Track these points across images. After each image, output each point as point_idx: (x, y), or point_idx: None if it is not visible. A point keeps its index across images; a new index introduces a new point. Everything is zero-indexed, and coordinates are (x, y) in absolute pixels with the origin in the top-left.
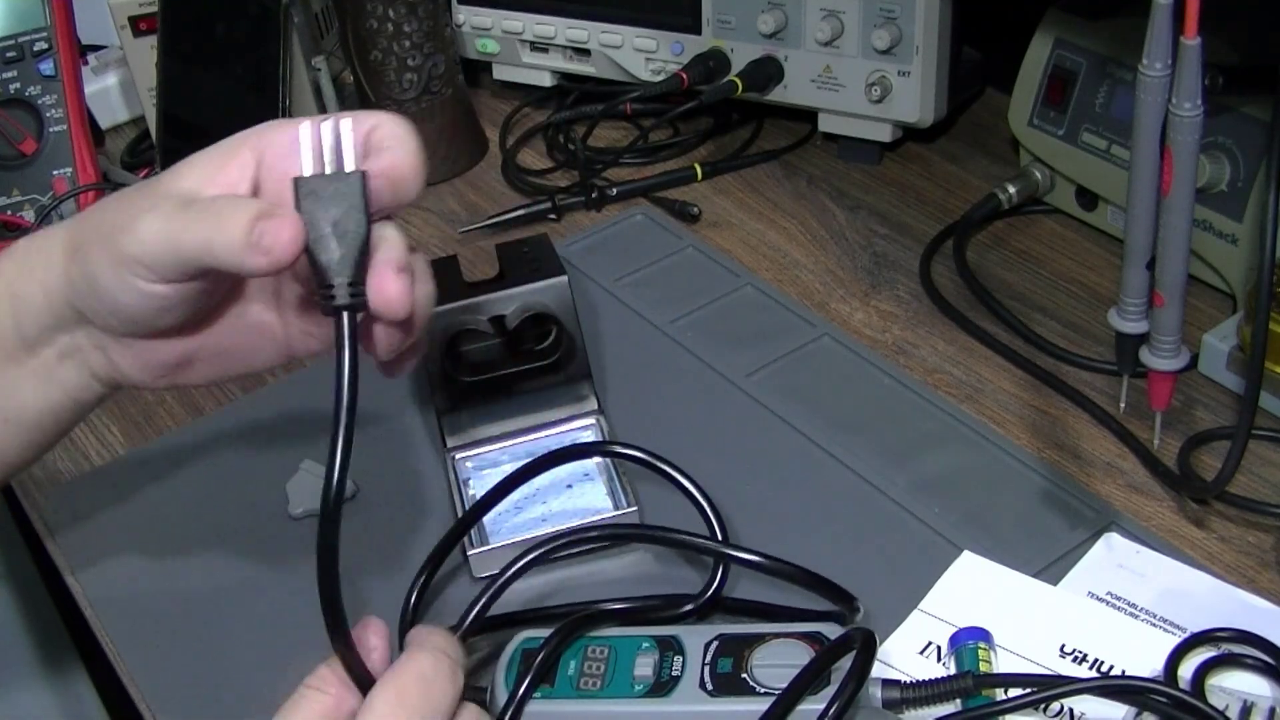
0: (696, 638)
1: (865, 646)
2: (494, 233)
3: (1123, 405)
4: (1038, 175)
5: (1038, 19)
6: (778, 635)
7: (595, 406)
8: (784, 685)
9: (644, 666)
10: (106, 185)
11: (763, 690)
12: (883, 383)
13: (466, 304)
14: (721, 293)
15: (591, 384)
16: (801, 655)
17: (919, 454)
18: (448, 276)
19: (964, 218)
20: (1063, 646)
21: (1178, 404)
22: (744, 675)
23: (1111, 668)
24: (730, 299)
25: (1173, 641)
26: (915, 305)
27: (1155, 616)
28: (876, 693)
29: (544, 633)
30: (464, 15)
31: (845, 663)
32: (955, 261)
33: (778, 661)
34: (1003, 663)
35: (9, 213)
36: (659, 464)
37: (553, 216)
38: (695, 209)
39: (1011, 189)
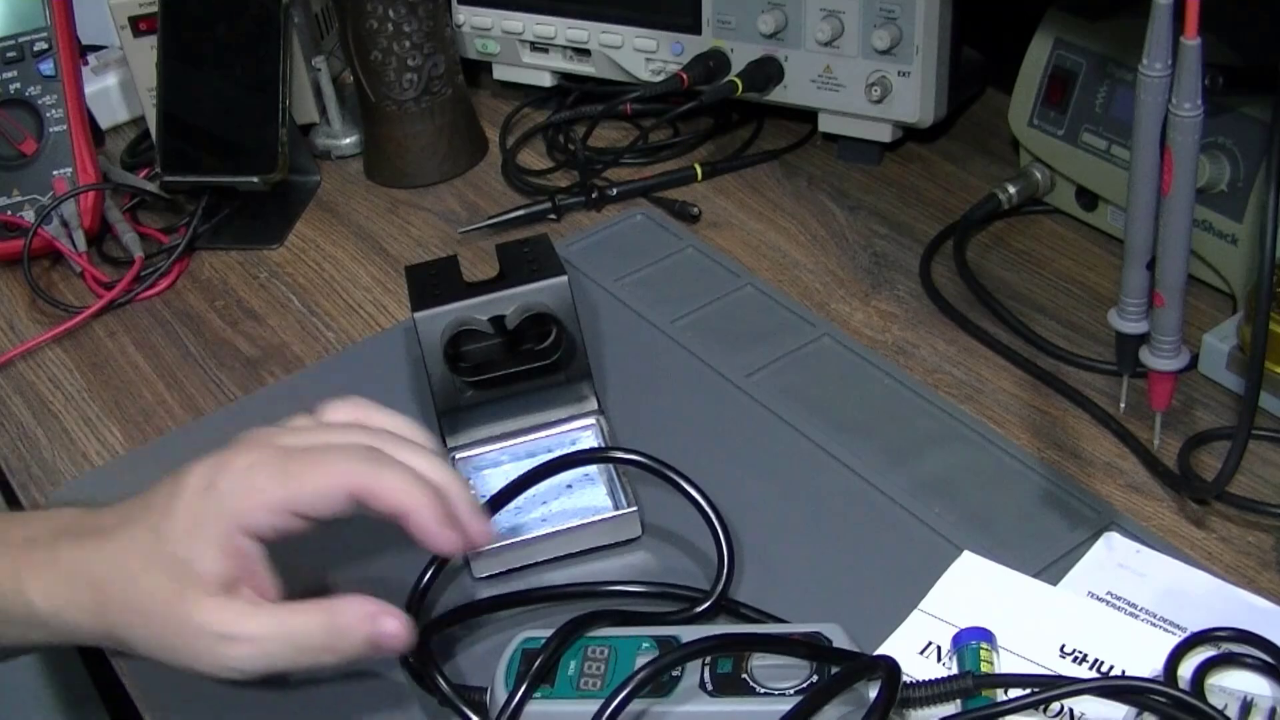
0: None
1: (890, 679)
2: (494, 233)
3: (1123, 405)
4: (1038, 175)
5: (1038, 19)
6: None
7: (595, 407)
8: (783, 686)
9: None
10: (107, 185)
11: (763, 690)
12: (883, 383)
13: (466, 304)
14: (721, 293)
15: (591, 384)
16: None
17: (919, 454)
18: (448, 276)
19: (964, 218)
20: (1063, 647)
21: (1178, 404)
22: (744, 675)
23: (1111, 668)
24: (730, 299)
25: (1172, 641)
26: (915, 305)
27: (1155, 616)
28: (873, 693)
29: (545, 633)
30: (464, 15)
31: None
32: (955, 261)
33: (778, 662)
34: (1003, 663)
35: (9, 213)
36: (663, 470)
37: (553, 216)
38: (695, 209)
39: (1011, 189)
